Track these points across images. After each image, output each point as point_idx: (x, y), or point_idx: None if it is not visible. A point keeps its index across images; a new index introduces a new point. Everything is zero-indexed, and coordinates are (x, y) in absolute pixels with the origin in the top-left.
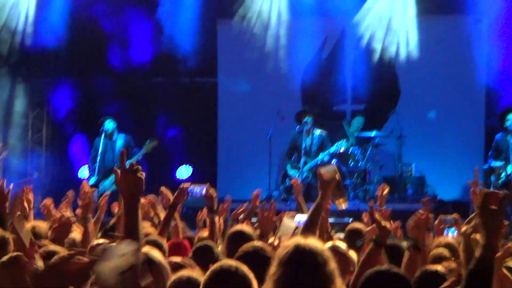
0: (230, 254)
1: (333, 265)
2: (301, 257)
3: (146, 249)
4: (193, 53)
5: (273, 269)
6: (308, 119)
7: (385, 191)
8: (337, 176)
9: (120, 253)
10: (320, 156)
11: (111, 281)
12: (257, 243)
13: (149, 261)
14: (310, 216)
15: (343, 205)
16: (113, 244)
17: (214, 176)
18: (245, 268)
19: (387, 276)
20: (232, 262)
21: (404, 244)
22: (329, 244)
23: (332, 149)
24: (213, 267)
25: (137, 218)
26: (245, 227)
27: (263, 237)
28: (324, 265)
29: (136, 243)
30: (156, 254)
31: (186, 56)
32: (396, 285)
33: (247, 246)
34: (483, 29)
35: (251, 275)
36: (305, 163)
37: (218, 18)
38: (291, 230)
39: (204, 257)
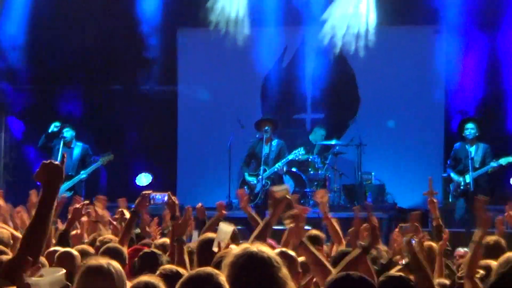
0: (201, 261)
1: (284, 270)
2: (252, 263)
3: (103, 260)
4: (153, 62)
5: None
6: (268, 127)
7: (324, 198)
8: (289, 196)
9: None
10: (279, 164)
11: None
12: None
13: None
14: (258, 231)
15: (289, 225)
16: (39, 278)
17: (174, 184)
18: (221, 277)
19: (352, 280)
20: (208, 269)
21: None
22: (277, 250)
23: (290, 156)
24: (190, 272)
25: (50, 208)
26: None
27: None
28: (276, 270)
29: (60, 269)
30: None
31: (146, 64)
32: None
33: (221, 253)
34: (443, 39)
35: (225, 283)
36: (265, 171)
37: (178, 27)
38: (228, 234)
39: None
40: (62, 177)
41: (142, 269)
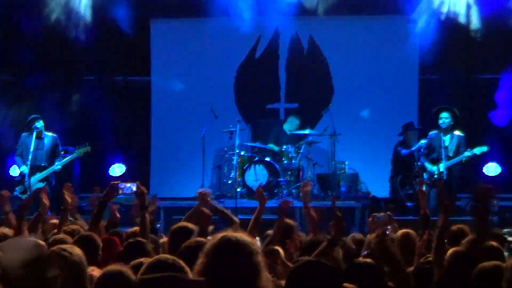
0: (172, 248)
1: (259, 257)
2: (226, 247)
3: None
4: (126, 52)
5: (199, 260)
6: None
7: (307, 188)
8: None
9: (23, 247)
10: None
11: (17, 272)
12: (200, 239)
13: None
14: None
15: None
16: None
17: (147, 175)
18: (181, 262)
19: (315, 267)
20: (168, 256)
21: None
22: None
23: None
24: (150, 260)
25: None
26: (188, 224)
27: (203, 233)
28: (250, 256)
29: (35, 239)
30: (75, 250)
31: (119, 54)
32: (324, 276)
33: (190, 241)
34: (417, 28)
35: (187, 269)
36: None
37: (151, 18)
38: None
39: (135, 252)
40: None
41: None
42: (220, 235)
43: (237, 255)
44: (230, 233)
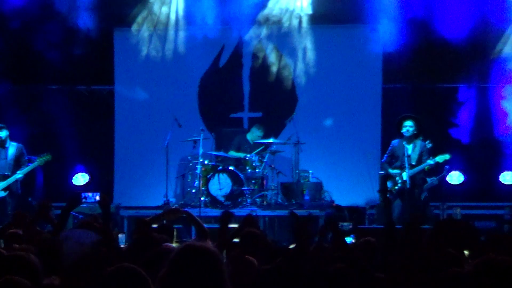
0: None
1: (223, 266)
2: (190, 256)
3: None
4: (89, 61)
5: (164, 270)
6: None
7: None
8: None
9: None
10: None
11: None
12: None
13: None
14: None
15: None
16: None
17: (111, 183)
18: (142, 271)
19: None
20: (129, 265)
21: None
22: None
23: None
24: (113, 268)
25: None
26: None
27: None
28: (214, 265)
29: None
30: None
31: (83, 64)
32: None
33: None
34: (379, 37)
35: (147, 278)
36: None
37: (114, 27)
38: None
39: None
40: None
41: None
42: (184, 244)
43: (201, 264)
44: (194, 242)
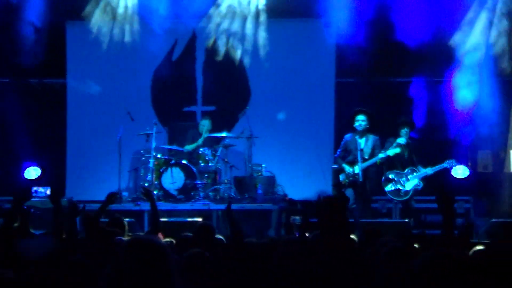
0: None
1: (171, 259)
2: (137, 250)
3: None
4: (41, 54)
5: (112, 264)
6: None
7: None
8: None
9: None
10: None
11: None
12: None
13: None
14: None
15: None
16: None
17: (63, 177)
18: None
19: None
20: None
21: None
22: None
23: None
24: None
25: None
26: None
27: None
28: (162, 258)
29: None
30: None
31: (34, 57)
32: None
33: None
34: (333, 32)
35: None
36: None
37: (66, 20)
38: None
39: None
40: None
41: None
42: (132, 238)
43: (148, 258)
44: (141, 236)
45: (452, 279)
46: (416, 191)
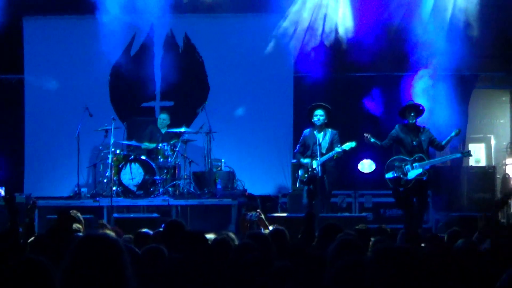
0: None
1: (124, 255)
2: (89, 246)
3: None
4: None
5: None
6: None
7: None
8: None
9: None
10: None
11: None
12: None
13: None
14: None
15: None
16: None
17: (21, 174)
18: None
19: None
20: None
21: None
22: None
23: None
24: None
25: None
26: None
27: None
28: (114, 254)
29: None
30: None
31: None
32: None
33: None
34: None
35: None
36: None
37: (23, 15)
38: None
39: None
40: None
41: None
42: (84, 234)
43: (100, 254)
44: (94, 231)
45: (401, 273)
46: (420, 181)
